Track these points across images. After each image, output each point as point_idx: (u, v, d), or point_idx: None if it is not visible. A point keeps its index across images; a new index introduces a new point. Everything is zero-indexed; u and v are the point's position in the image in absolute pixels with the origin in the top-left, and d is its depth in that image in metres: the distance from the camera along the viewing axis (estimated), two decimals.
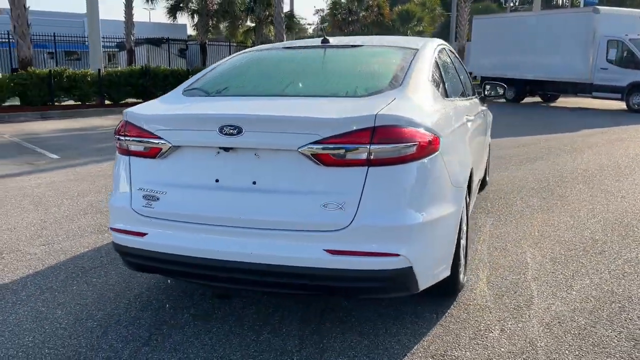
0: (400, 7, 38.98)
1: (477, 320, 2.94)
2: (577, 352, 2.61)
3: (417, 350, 2.64)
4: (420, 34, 39.21)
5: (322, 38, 3.65)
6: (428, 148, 2.52)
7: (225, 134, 2.46)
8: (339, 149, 2.37)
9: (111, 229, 2.86)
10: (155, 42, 34.36)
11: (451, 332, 2.82)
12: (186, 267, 2.61)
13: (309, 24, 67.80)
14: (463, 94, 4.15)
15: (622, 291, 3.30)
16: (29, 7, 15.35)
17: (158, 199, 2.65)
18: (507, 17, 22.25)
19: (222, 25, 33.56)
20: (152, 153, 2.66)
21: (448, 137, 2.83)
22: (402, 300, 3.14)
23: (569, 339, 2.74)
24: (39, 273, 3.67)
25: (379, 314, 3.02)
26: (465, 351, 2.63)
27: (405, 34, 38.80)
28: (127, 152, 2.77)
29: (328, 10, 39.00)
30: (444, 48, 4.14)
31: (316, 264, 2.41)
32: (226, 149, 2.52)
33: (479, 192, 5.76)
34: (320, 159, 2.39)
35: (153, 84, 16.69)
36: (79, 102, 15.78)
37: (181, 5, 31.55)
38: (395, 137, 2.39)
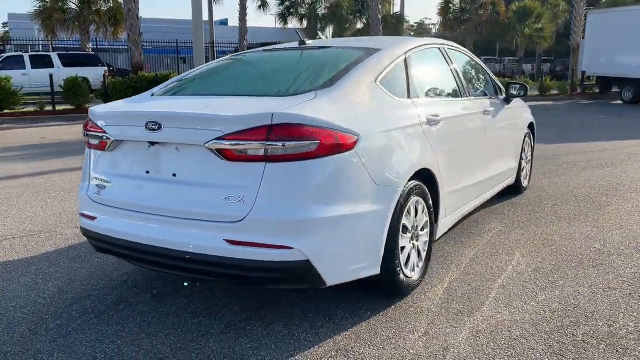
0: (517, 4, 37.04)
1: (407, 322, 2.91)
2: None
3: (326, 343, 2.70)
4: (539, 31, 37.03)
5: (299, 40, 3.79)
6: (335, 146, 2.58)
7: (149, 129, 2.71)
8: (238, 145, 2.51)
9: (79, 213, 3.24)
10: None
11: (372, 329, 2.83)
12: (121, 249, 2.91)
13: (432, 24, 66.90)
14: (455, 94, 4.03)
15: (588, 306, 3.06)
16: (140, 16, 16.97)
17: (104, 187, 2.98)
18: (624, 10, 20.28)
19: (331, 28, 34.32)
20: (102, 146, 3.00)
21: (377, 136, 2.84)
22: (343, 297, 3.19)
23: (489, 348, 2.63)
24: (57, 250, 4.21)
25: (317, 308, 3.09)
26: (373, 349, 2.64)
27: (522, 32, 36.83)
28: (89, 145, 3.14)
29: (440, 9, 38.20)
30: (438, 48, 4.07)
31: (217, 252, 2.58)
32: (152, 143, 2.77)
33: (509, 198, 5.50)
34: (223, 154, 2.55)
35: None
36: None
37: (291, 10, 32.80)
38: (292, 134, 2.48)
